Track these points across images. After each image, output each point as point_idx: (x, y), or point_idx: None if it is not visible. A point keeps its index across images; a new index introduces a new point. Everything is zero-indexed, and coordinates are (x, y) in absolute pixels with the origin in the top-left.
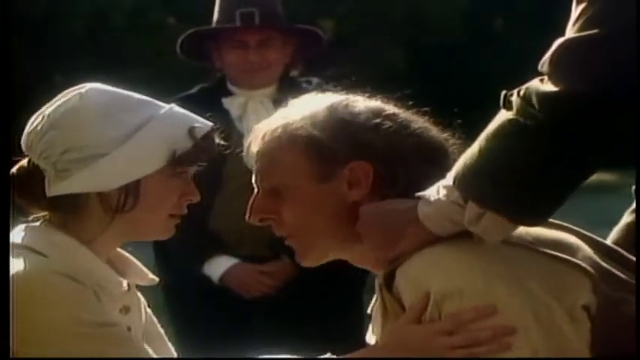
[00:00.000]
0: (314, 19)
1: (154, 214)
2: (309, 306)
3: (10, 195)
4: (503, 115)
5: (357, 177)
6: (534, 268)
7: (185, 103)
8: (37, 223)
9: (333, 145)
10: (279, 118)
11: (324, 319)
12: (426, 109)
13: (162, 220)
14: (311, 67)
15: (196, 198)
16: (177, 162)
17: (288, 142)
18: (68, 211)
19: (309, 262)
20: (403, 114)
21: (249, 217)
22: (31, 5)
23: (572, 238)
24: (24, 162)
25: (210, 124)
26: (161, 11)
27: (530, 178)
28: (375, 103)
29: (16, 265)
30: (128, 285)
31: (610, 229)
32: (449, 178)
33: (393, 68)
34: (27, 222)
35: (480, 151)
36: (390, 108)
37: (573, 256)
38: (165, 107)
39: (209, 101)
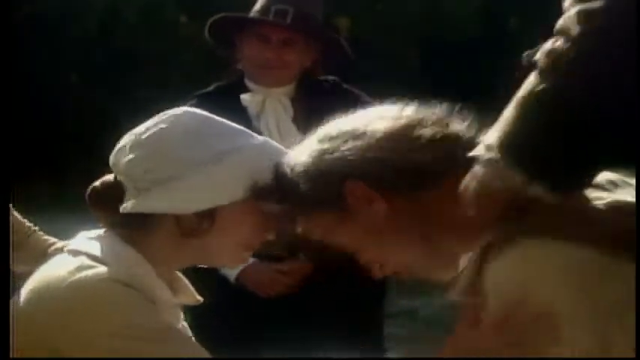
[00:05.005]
0: (329, 17)
1: (224, 242)
2: (326, 305)
3: (10, 195)
4: (530, 79)
5: (362, 195)
6: (589, 265)
7: (203, 100)
8: (103, 233)
9: (312, 191)
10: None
11: (342, 317)
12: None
13: (231, 248)
14: (328, 66)
15: (271, 235)
16: (257, 195)
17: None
18: (140, 229)
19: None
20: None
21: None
22: (44, 4)
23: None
24: (110, 177)
25: None
26: (174, 10)
27: (564, 141)
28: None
29: (77, 271)
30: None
31: None
32: (486, 150)
33: (408, 66)
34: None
35: (516, 116)
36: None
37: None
38: (259, 140)
39: (227, 98)
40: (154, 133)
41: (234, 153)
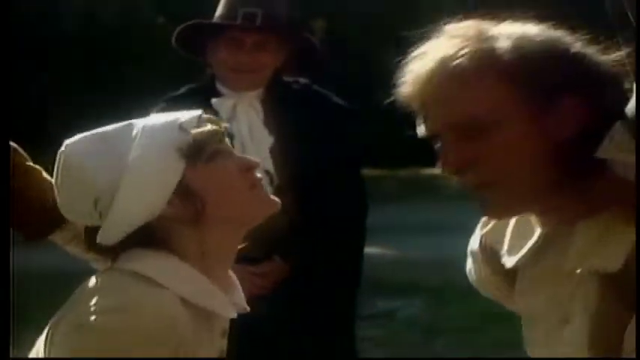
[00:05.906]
0: (305, 18)
1: (230, 200)
2: (302, 306)
3: (9, 195)
4: None
5: (570, 113)
6: None
7: (174, 103)
8: (150, 251)
9: (545, 74)
10: (468, 41)
11: (318, 318)
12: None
13: (245, 200)
14: (301, 68)
15: (254, 163)
16: (192, 156)
17: (490, 69)
18: (159, 247)
19: (504, 215)
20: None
21: (444, 169)
22: (20, 5)
23: None
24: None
25: (195, 112)
26: (151, 11)
27: None
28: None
29: (138, 296)
30: None
31: None
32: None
33: (384, 67)
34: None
35: None
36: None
37: None
38: (141, 124)
39: (198, 102)
40: (64, 177)
41: (134, 144)
